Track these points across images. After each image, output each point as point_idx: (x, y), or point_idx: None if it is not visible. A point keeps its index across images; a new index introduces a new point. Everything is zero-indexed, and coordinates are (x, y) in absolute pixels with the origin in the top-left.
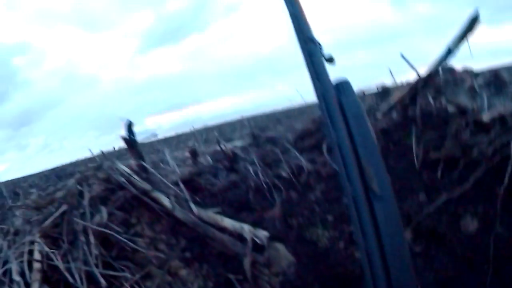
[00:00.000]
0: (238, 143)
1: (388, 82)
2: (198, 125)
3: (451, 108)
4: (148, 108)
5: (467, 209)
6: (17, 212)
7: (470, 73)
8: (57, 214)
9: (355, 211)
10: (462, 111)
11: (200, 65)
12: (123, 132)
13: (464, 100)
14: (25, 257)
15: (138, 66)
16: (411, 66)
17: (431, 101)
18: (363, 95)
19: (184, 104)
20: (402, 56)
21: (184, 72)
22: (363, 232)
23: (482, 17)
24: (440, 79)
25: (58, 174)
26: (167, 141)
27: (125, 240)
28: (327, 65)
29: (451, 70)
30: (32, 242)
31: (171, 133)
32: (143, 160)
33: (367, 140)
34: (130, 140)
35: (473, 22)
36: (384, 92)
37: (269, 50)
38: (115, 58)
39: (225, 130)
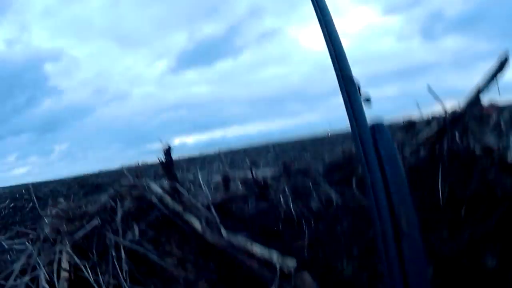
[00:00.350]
0: (268, 171)
1: (415, 115)
2: (223, 148)
3: (477, 148)
4: (175, 127)
5: (488, 247)
6: (46, 220)
7: (496, 108)
8: (89, 227)
9: (383, 247)
10: (488, 150)
11: (230, 89)
12: (161, 154)
13: (490, 138)
14: (55, 266)
15: (168, 85)
16: (438, 99)
17: (458, 139)
18: (390, 128)
19: (211, 126)
20: (429, 89)
21: (214, 95)
22: (390, 267)
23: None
24: (467, 117)
25: (81, 183)
26: (191, 161)
27: (154, 258)
28: (364, 105)
29: (478, 105)
30: (61, 252)
31: (195, 152)
32: (178, 182)
33: (399, 181)
34: (167, 163)
35: (502, 63)
36: (410, 126)
37: (298, 79)
38: (147, 75)
39: (250, 154)
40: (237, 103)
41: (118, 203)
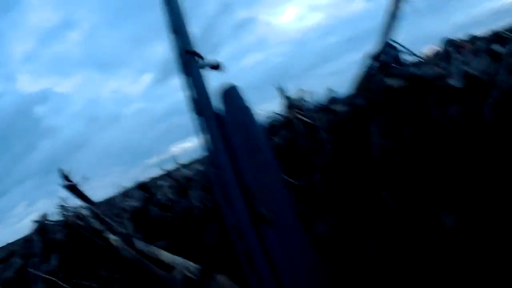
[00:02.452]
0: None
1: None
2: None
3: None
4: (172, 135)
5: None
6: None
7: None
8: (17, 265)
9: (239, 241)
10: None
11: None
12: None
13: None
14: None
15: (156, 96)
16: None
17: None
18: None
19: None
20: None
21: None
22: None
23: None
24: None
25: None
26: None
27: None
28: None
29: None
30: None
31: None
32: (91, 203)
33: (257, 155)
34: (71, 187)
35: None
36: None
37: (278, 60)
38: (134, 92)
39: None
40: None
41: (37, 236)
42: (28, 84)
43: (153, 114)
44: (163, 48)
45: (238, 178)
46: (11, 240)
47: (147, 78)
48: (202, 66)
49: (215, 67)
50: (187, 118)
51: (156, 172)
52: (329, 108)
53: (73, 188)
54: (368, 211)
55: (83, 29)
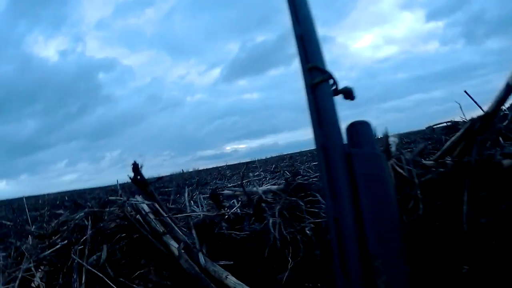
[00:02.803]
0: (275, 186)
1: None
2: (273, 154)
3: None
4: (227, 134)
5: None
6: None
7: None
8: (58, 247)
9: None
10: None
11: (281, 96)
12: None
13: None
14: (16, 284)
15: (221, 93)
16: (476, 103)
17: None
18: (433, 131)
19: (262, 133)
20: (466, 93)
21: (265, 102)
22: None
23: None
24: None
25: (127, 190)
26: (234, 167)
27: (113, 285)
28: (342, 102)
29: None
30: (27, 270)
31: (245, 159)
32: (156, 200)
33: (384, 211)
34: (138, 180)
35: None
36: (452, 128)
37: (348, 84)
38: (200, 83)
39: (296, 160)
40: (287, 110)
41: (90, 222)
42: (96, 50)
43: (213, 109)
44: (236, 47)
45: (358, 230)
46: (43, 192)
47: (215, 72)
48: (334, 92)
49: (348, 94)
50: (244, 120)
51: (205, 165)
52: (422, 163)
53: (141, 184)
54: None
55: (161, 9)
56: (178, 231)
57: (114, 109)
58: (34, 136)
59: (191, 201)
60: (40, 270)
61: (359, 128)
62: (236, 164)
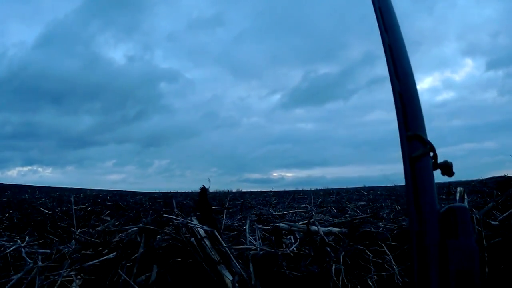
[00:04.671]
0: (335, 228)
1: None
2: (319, 186)
3: None
4: (277, 160)
5: None
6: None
7: None
8: (102, 258)
9: None
10: None
11: (335, 129)
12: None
13: None
14: None
15: (277, 119)
16: None
17: None
18: (484, 184)
19: (311, 164)
20: None
21: (319, 133)
22: None
23: None
24: None
25: (166, 200)
26: (280, 194)
27: None
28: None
29: None
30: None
31: (290, 187)
32: (216, 228)
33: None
34: (202, 205)
35: None
36: (505, 184)
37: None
38: (258, 107)
39: (342, 197)
40: (340, 144)
41: (143, 239)
42: (162, 59)
43: (267, 134)
44: (299, 76)
45: None
46: (85, 187)
47: (275, 98)
48: (434, 165)
49: (446, 170)
50: (296, 149)
51: (249, 187)
52: (490, 224)
53: (205, 210)
54: None
55: (231, 30)
56: (235, 262)
57: (171, 120)
58: (88, 132)
59: (246, 230)
60: (80, 277)
61: (458, 215)
62: (281, 191)
